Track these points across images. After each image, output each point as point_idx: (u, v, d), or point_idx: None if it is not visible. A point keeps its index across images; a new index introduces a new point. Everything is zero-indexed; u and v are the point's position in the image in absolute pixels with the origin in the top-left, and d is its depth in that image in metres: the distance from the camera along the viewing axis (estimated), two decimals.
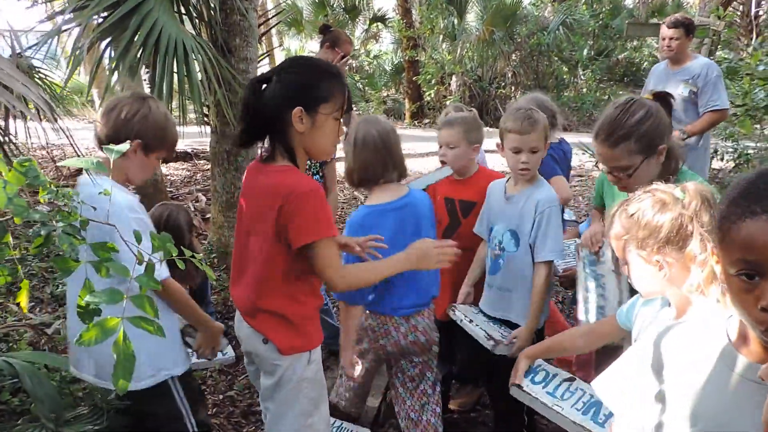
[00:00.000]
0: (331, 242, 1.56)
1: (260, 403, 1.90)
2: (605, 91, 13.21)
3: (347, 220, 2.09)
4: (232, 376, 2.95)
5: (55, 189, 0.98)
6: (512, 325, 2.20)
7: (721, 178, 5.41)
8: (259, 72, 3.97)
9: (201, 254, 1.38)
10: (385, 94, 14.90)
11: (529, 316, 2.12)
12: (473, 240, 2.39)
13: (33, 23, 3.66)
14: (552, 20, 12.83)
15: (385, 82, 14.99)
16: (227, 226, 4.12)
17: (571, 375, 1.72)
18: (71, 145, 1.63)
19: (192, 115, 4.76)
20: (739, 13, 9.40)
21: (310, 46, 16.26)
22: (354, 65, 14.37)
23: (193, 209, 5.26)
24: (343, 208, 5.74)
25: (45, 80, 3.94)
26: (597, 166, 1.82)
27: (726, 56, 6.32)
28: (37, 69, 3.61)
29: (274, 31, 14.06)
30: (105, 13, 3.26)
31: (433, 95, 13.01)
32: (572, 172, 7.83)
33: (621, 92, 13.54)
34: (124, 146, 1.16)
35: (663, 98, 1.80)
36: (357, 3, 14.58)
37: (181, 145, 6.59)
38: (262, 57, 4.44)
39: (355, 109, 9.14)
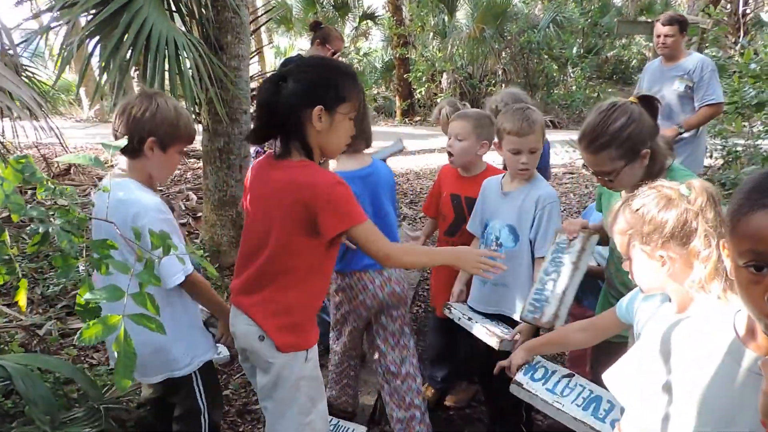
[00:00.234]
0: (366, 224, 1.58)
1: (258, 402, 1.90)
2: (594, 88, 13.28)
3: None
4: (227, 375, 2.93)
5: (52, 186, 0.97)
6: (507, 319, 2.21)
7: (710, 176, 5.45)
8: (251, 70, 3.95)
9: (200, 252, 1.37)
10: (375, 92, 14.89)
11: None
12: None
13: (19, 21, 3.61)
14: (542, 18, 12.87)
15: (375, 80, 14.97)
16: (219, 225, 4.09)
17: (570, 372, 1.72)
18: (60, 144, 1.61)
19: None
20: (726, 11, 9.49)
21: (300, 44, 16.21)
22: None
23: (183, 208, 5.22)
24: None
25: (33, 79, 3.89)
26: (585, 168, 1.83)
27: (714, 54, 6.37)
28: (24, 67, 3.56)
29: (263, 28, 13.99)
30: (94, 11, 3.22)
31: (423, 93, 13.02)
32: (563, 170, 7.90)
33: (610, 90, 13.66)
34: (122, 142, 1.14)
35: (648, 101, 1.78)
36: (347, 0, 14.55)
37: None
38: (252, 55, 4.42)
39: None
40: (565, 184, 7.23)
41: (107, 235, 1.22)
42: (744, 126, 4.88)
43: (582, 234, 1.95)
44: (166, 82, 3.29)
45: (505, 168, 2.50)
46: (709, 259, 1.11)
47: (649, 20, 6.77)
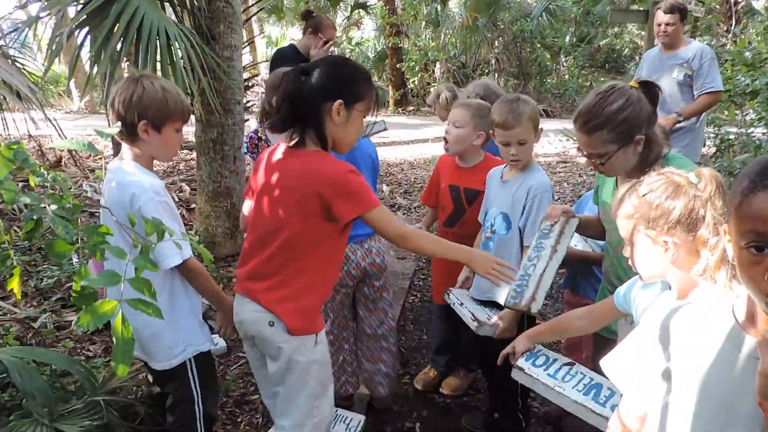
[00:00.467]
0: (379, 209, 1.65)
1: (261, 391, 1.94)
2: (587, 77, 13.30)
3: None
4: (224, 366, 2.93)
5: (44, 172, 0.95)
6: (501, 308, 2.21)
7: (703, 164, 5.47)
8: (244, 60, 3.91)
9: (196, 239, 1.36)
10: None
11: None
12: (478, 228, 2.40)
13: (6, 11, 3.56)
14: (535, 7, 12.86)
15: (368, 70, 14.88)
16: (214, 216, 4.08)
17: (571, 360, 1.73)
18: (58, 132, 1.59)
19: None
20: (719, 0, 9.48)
21: (291, 34, 16.10)
22: (336, 52, 14.25)
23: (177, 199, 5.19)
24: None
25: (22, 70, 3.84)
26: (579, 151, 1.80)
27: (708, 42, 6.37)
28: (13, 58, 3.52)
29: (254, 18, 13.89)
30: (84, 1, 3.18)
31: (416, 82, 12.99)
32: (556, 159, 7.92)
33: (602, 78, 13.63)
34: (114, 129, 1.12)
35: (649, 87, 1.76)
36: None
37: None
38: (243, 45, 4.38)
39: None
40: (559, 173, 7.24)
41: (114, 223, 1.21)
42: (737, 114, 4.90)
43: (562, 218, 1.95)
44: (158, 72, 3.26)
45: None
46: (716, 247, 1.11)
47: (642, 9, 6.74)
